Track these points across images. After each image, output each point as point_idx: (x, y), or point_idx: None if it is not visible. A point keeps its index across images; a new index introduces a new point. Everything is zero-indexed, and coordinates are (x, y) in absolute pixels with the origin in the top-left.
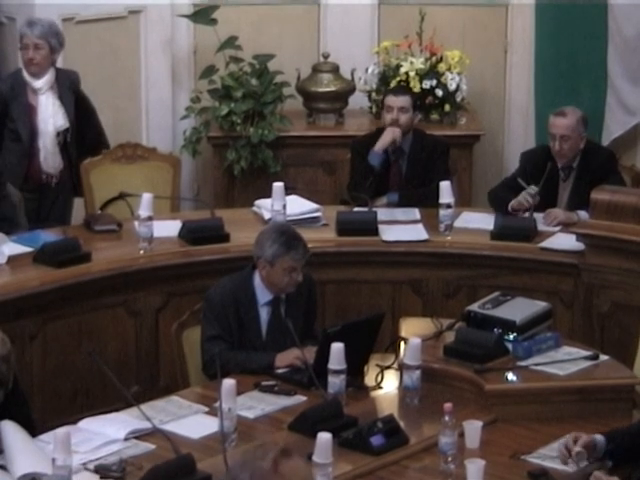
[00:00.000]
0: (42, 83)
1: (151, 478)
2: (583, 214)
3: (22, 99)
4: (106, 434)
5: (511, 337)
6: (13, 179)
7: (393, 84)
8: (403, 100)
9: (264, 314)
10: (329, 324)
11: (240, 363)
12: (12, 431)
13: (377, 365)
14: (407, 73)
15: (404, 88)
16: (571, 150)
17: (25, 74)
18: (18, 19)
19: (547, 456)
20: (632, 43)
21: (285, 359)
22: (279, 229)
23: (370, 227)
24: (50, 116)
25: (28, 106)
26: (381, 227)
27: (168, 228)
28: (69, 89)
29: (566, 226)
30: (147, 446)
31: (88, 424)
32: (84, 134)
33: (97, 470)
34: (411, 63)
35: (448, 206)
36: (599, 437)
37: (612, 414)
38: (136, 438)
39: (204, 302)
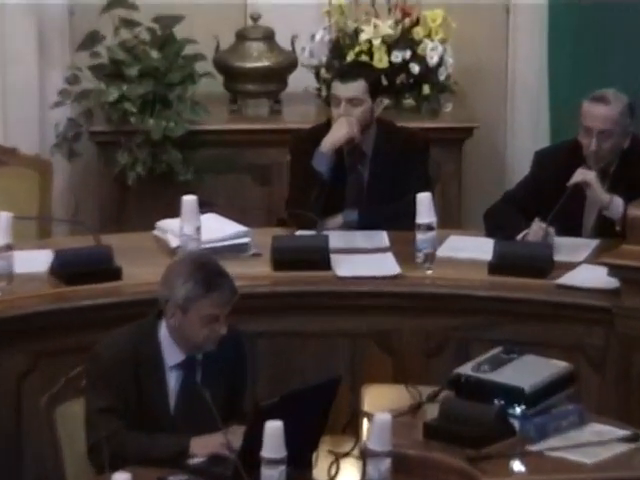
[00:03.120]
0: None
1: None
2: (619, 202)
3: None
4: None
5: (518, 411)
6: None
7: (350, 57)
8: (354, 88)
9: (173, 380)
10: (262, 395)
11: (141, 448)
12: None
13: (330, 452)
14: (370, 42)
15: (357, 68)
16: (612, 151)
17: None
18: None
19: None
20: None
21: (204, 445)
22: (196, 262)
23: (319, 258)
24: None
25: None
26: (335, 258)
27: (35, 261)
28: None
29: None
30: None
31: None
32: None
33: None
34: (375, 28)
35: (428, 227)
36: None
37: None
38: None
39: (89, 364)
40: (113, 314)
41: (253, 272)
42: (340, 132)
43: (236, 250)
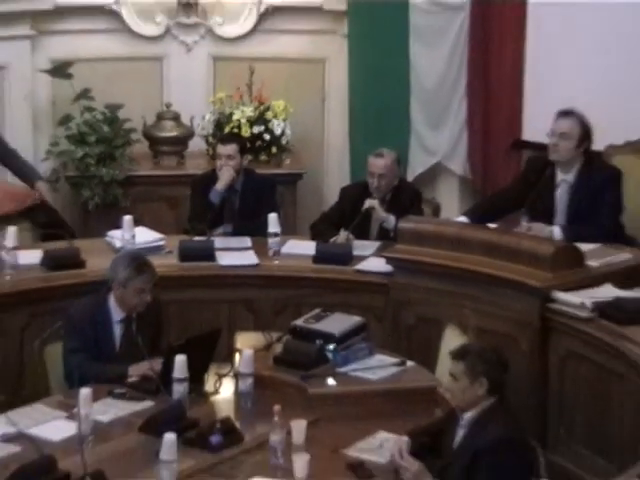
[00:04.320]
0: None
1: (16, 477)
2: (392, 219)
3: None
4: None
5: (331, 347)
6: None
7: (227, 130)
8: (230, 148)
9: (117, 330)
10: (173, 339)
11: (97, 374)
12: None
13: (215, 373)
14: (239, 120)
15: (231, 136)
16: (387, 186)
17: None
18: None
19: (363, 449)
20: (431, 94)
21: (138, 370)
22: (131, 256)
23: (208, 254)
24: None
25: None
26: (218, 253)
27: (31, 257)
28: None
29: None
30: (13, 448)
31: None
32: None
33: None
34: (242, 111)
35: (276, 235)
36: (406, 439)
37: (418, 412)
38: (3, 441)
39: (65, 320)
40: (79, 289)
41: (167, 263)
42: (227, 177)
43: (156, 249)
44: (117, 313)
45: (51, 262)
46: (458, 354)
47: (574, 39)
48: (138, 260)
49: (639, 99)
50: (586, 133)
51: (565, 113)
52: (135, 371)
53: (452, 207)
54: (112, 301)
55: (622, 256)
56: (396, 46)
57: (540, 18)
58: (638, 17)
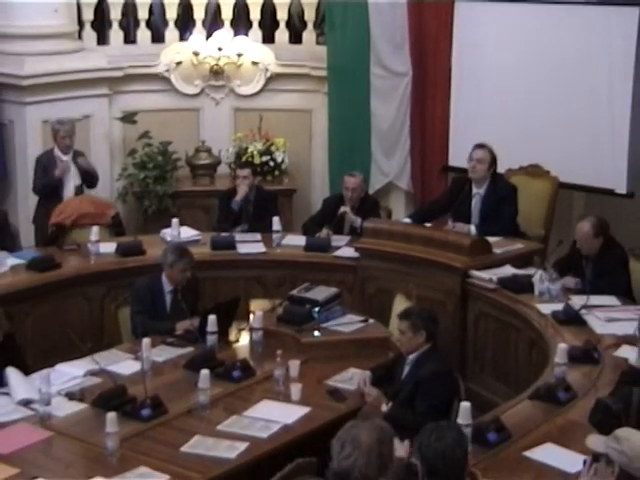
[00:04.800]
0: (68, 157)
1: (100, 399)
2: (359, 220)
3: (54, 166)
4: (71, 373)
5: (316, 310)
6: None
7: (243, 159)
8: (246, 171)
9: (168, 298)
10: (207, 304)
11: (154, 328)
12: (13, 372)
13: (236, 328)
14: (252, 152)
15: (247, 163)
16: (357, 197)
17: (57, 151)
18: (16, 121)
19: (338, 380)
20: (385, 134)
21: (182, 325)
22: (177, 246)
23: (231, 244)
24: (71, 177)
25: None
26: (237, 244)
27: (108, 247)
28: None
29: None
30: (97, 379)
31: (60, 367)
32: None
33: (67, 395)
34: (254, 146)
35: (277, 232)
36: (368, 373)
37: (376, 354)
38: (90, 375)
39: (132, 290)
40: (142, 270)
41: (202, 251)
42: (243, 191)
43: (194, 242)
44: (167, 286)
45: (122, 251)
46: (404, 314)
47: (484, 99)
48: (181, 249)
49: (528, 139)
50: (494, 160)
51: (479, 145)
52: (180, 326)
53: (400, 212)
54: (164, 277)
55: (517, 245)
56: (361, 101)
57: (460, 82)
58: (538, 79)
